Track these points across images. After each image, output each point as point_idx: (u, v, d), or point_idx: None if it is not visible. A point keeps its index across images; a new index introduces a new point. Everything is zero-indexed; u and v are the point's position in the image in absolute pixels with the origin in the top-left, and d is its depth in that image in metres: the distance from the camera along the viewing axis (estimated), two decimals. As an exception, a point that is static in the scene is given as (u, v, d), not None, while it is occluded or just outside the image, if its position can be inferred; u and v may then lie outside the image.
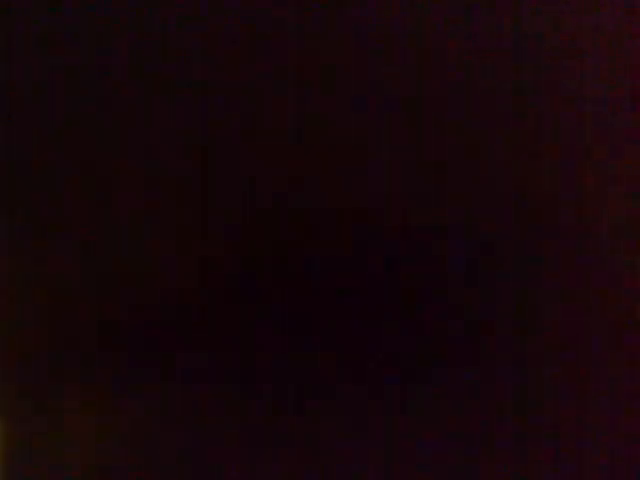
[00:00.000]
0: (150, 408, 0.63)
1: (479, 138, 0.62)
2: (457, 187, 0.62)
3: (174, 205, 0.63)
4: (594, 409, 0.63)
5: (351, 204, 0.62)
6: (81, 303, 0.63)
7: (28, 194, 0.64)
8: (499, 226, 0.62)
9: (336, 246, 0.63)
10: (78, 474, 0.64)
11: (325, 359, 0.63)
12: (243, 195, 0.63)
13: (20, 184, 0.64)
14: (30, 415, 0.64)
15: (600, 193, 0.62)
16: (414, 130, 0.62)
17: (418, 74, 0.62)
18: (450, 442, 0.63)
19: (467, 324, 0.63)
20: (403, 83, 0.62)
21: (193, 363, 0.63)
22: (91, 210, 0.63)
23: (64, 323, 0.63)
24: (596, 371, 0.63)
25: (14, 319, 0.63)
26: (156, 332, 0.63)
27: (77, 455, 0.64)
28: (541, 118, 0.62)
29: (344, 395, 0.63)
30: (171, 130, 0.62)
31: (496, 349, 0.63)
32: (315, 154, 0.62)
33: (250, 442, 0.63)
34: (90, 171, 0.63)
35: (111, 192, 0.63)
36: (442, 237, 0.62)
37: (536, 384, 0.63)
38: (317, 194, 0.62)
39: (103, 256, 0.63)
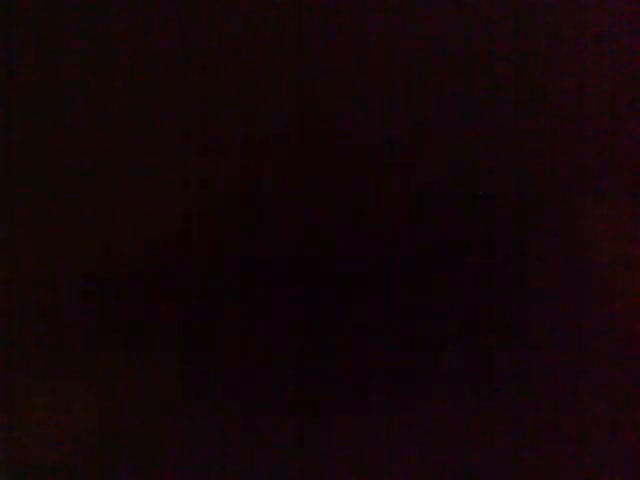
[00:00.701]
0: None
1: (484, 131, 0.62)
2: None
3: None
4: (594, 410, 0.63)
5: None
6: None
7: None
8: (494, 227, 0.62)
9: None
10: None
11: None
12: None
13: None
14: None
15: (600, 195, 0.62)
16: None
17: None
18: (451, 443, 0.63)
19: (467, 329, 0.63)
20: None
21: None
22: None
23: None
24: (596, 371, 0.62)
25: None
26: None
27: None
28: (542, 116, 0.62)
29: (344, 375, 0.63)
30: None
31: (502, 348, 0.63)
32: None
33: (238, 404, 0.63)
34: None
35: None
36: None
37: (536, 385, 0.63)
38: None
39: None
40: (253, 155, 0.63)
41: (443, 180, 0.62)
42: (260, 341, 0.63)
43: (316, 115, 0.62)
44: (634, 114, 0.62)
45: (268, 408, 0.63)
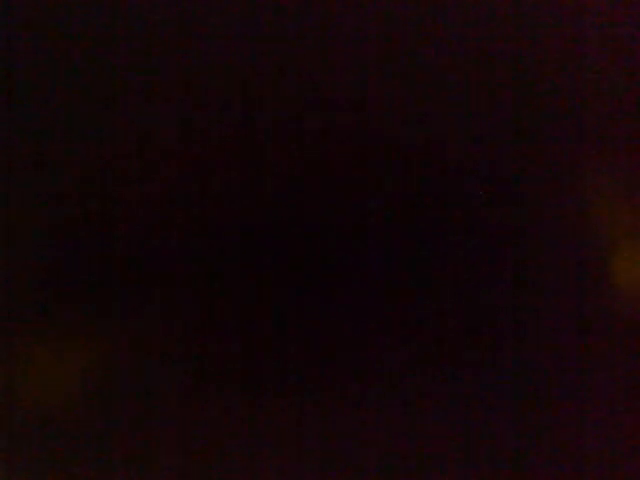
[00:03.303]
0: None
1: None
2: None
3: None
4: (594, 408, 0.62)
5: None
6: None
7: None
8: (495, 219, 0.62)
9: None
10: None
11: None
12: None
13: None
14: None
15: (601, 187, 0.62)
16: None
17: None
18: (450, 439, 0.63)
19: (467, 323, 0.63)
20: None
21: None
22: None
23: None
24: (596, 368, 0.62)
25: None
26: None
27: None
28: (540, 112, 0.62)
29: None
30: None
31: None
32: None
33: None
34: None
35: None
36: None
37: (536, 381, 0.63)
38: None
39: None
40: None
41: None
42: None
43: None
44: None
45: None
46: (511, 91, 0.62)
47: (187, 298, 0.63)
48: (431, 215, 0.62)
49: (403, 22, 0.62)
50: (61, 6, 0.63)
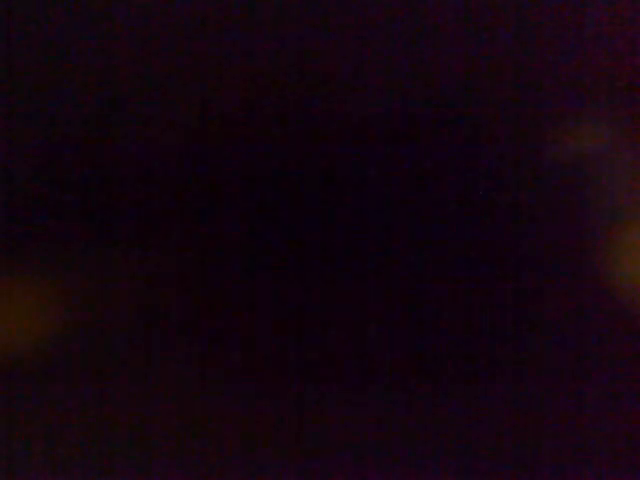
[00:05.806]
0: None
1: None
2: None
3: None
4: (594, 405, 0.63)
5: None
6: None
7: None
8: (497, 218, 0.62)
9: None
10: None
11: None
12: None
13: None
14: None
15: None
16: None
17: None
18: (451, 437, 0.63)
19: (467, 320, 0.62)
20: None
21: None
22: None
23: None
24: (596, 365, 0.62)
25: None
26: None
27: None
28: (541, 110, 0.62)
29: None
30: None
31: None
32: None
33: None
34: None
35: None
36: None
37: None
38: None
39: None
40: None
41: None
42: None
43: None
44: None
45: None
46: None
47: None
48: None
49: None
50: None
